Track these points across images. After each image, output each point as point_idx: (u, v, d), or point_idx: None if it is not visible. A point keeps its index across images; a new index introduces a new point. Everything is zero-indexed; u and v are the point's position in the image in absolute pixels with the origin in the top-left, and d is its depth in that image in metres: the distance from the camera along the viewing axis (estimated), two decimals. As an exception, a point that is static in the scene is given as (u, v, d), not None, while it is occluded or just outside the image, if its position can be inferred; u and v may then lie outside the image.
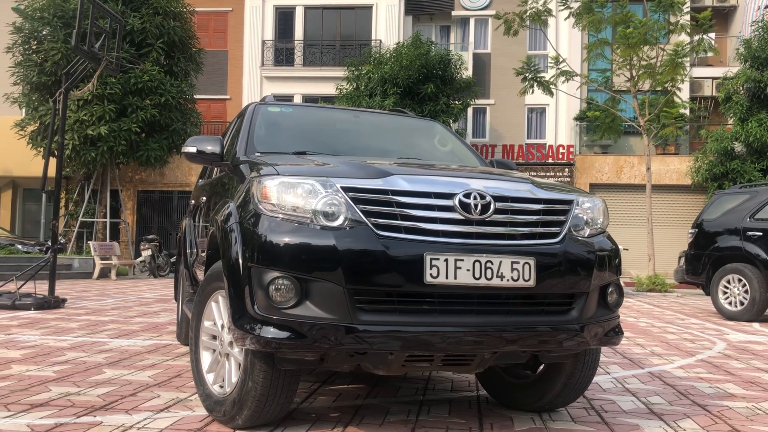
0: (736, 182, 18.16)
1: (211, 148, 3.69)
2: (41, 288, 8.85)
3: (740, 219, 8.91)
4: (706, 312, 9.87)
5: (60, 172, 9.14)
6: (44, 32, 17.32)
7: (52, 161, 10.15)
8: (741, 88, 19.41)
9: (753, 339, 6.79)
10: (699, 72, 22.81)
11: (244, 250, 2.72)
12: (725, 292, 8.90)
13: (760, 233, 8.60)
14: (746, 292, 8.59)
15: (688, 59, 16.06)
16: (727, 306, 8.85)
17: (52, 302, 8.23)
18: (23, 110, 18.81)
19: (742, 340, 6.70)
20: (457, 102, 20.69)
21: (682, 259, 9.97)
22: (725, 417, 3.43)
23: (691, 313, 9.64)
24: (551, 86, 16.84)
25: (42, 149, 17.70)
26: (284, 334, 2.57)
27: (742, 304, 8.64)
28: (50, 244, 8.88)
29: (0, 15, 21.00)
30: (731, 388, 4.19)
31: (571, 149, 22.60)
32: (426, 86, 19.43)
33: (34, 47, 17.42)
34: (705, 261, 9.27)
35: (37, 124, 17.79)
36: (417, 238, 2.65)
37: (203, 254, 3.69)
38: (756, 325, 8.16)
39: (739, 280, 8.70)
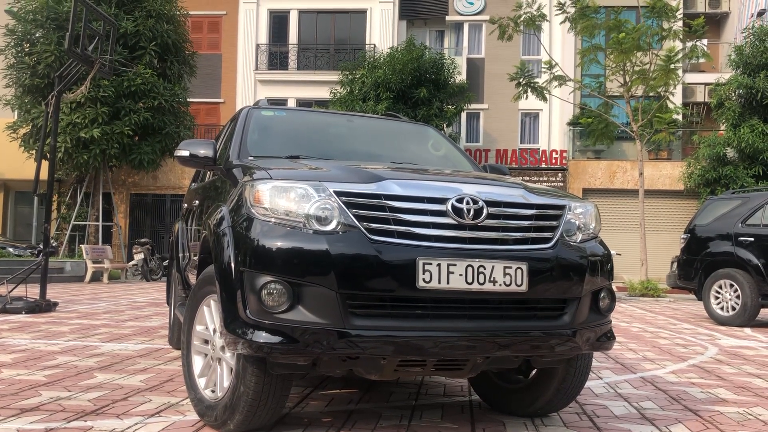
0: (729, 188, 18.25)
1: (203, 151, 3.69)
2: (32, 291, 8.81)
3: (732, 224, 8.95)
4: (698, 317, 9.90)
5: (52, 175, 9.11)
6: (37, 34, 17.28)
7: (45, 164, 10.11)
8: (733, 94, 19.54)
9: (744, 344, 6.81)
10: (691, 78, 22.95)
11: (237, 254, 2.71)
12: (717, 297, 8.94)
13: (752, 239, 8.64)
14: (738, 297, 8.62)
15: (681, 65, 16.15)
16: (719, 311, 8.88)
17: (44, 306, 8.18)
18: (15, 113, 18.75)
19: (733, 345, 6.73)
20: (450, 106, 20.73)
21: (675, 264, 10.01)
22: (716, 422, 3.43)
23: (683, 318, 9.67)
24: (545, 91, 16.89)
25: (34, 152, 17.62)
26: (276, 339, 2.56)
27: (733, 309, 8.67)
28: (42, 247, 8.84)
29: (-7, 17, 20.92)
30: (723, 393, 4.20)
31: (564, 154, 22.68)
32: (419, 90, 19.47)
33: (26, 49, 17.37)
34: (697, 266, 9.31)
35: (30, 127, 17.73)
36: (410, 243, 2.65)
37: (195, 258, 3.68)
38: (747, 330, 8.19)
39: (731, 286, 8.74)
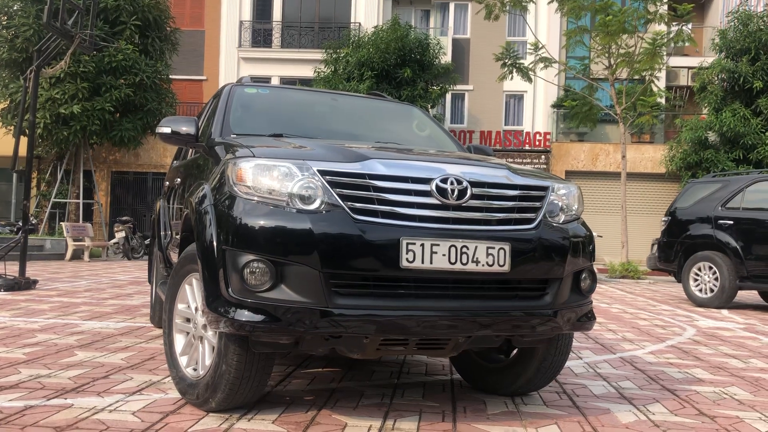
0: (710, 171, 18.43)
1: (185, 128, 3.64)
2: (12, 269, 8.71)
3: (712, 208, 9.04)
4: (677, 299, 10.04)
5: (31, 152, 8.97)
6: (15, 7, 16.93)
7: (23, 140, 9.96)
8: (716, 78, 19.65)
9: (722, 325, 6.92)
10: (675, 61, 23.04)
11: (219, 232, 2.69)
12: (696, 280, 9.05)
13: (731, 222, 8.74)
14: (716, 279, 8.74)
15: (666, 49, 16.20)
16: (697, 293, 9.00)
17: (23, 283, 8.10)
18: (-7, 88, 18.40)
19: (711, 326, 6.83)
20: (435, 87, 20.65)
21: (655, 247, 10.11)
22: (693, 401, 3.49)
23: (662, 300, 9.79)
24: (530, 73, 16.88)
25: (13, 128, 17.35)
26: (259, 318, 2.55)
27: (712, 291, 8.79)
28: (21, 224, 8.73)
29: (-31, -11, 20.42)
30: (699, 373, 4.27)
31: (548, 136, 22.74)
32: (403, 71, 19.35)
33: (4, 23, 17.02)
34: (677, 248, 9.41)
35: (8, 102, 17.44)
36: (393, 223, 2.64)
37: (177, 236, 3.65)
38: (725, 312, 8.31)
39: (710, 268, 8.85)
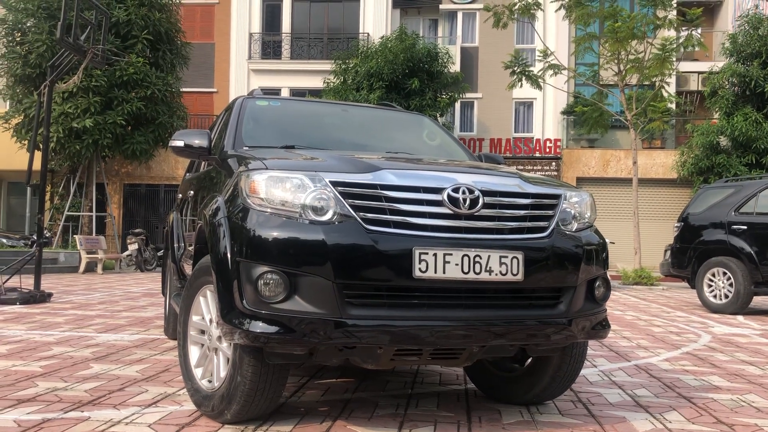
0: (722, 176, 18.30)
1: (198, 141, 3.68)
2: (27, 282, 8.78)
3: (725, 213, 8.98)
4: (691, 305, 9.96)
5: (45, 166, 9.06)
6: (28, 24, 17.16)
7: (37, 154, 10.06)
8: (726, 82, 19.55)
9: (737, 332, 6.86)
10: (685, 66, 22.95)
11: (233, 244, 2.71)
12: (710, 285, 8.98)
13: (745, 227, 8.68)
14: (731, 285, 8.67)
15: (676, 54, 16.15)
16: (712, 299, 8.93)
17: (38, 297, 8.17)
18: (7, 103, 18.64)
19: (726, 332, 6.77)
20: (443, 96, 20.67)
21: (668, 253, 10.04)
22: (710, 409, 3.46)
23: (676, 306, 9.72)
24: (539, 80, 16.87)
25: (26, 142, 17.53)
26: (273, 329, 2.56)
27: (726, 297, 8.72)
28: (35, 238, 8.81)
29: (-17, 6, 20.70)
30: (716, 381, 4.23)
31: (558, 143, 22.69)
32: (411, 81, 19.38)
33: (18, 39, 17.25)
34: (690, 254, 9.35)
35: (22, 117, 17.64)
36: (406, 233, 2.65)
37: (191, 248, 3.68)
38: (740, 318, 8.24)
39: (724, 274, 8.78)
